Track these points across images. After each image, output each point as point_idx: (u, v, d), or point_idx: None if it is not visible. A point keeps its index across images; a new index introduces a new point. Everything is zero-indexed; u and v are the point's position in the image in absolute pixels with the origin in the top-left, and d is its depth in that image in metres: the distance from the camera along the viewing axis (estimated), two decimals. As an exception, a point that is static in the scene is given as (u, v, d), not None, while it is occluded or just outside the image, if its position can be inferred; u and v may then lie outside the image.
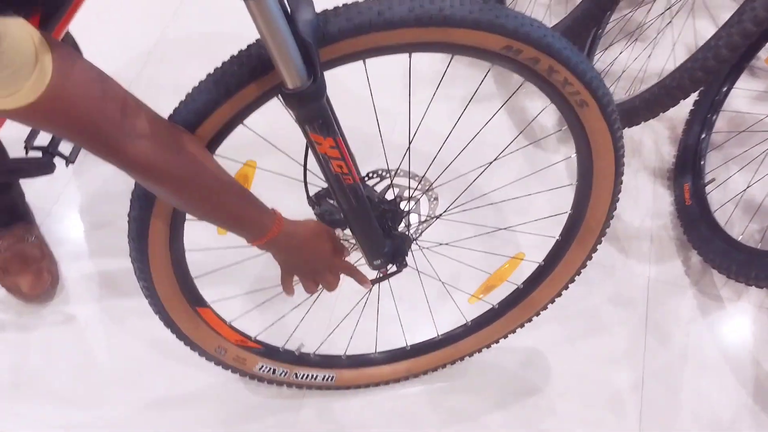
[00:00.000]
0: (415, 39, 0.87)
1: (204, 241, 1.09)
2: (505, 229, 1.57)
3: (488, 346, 1.41)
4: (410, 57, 0.92)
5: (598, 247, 1.22)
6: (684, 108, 1.72)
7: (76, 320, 1.46)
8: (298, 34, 0.78)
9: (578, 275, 1.27)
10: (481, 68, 1.81)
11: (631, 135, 1.84)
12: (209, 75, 0.88)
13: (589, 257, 1.24)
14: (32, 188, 1.56)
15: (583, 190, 1.15)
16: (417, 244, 1.20)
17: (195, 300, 1.14)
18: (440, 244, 1.29)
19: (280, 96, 0.84)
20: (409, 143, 1.09)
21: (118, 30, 1.98)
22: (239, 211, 0.91)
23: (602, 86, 1.00)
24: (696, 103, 1.80)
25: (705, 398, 1.46)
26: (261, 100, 0.90)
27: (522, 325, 1.36)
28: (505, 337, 1.39)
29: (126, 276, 1.15)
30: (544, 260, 1.28)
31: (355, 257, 1.12)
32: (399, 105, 1.23)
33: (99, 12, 1.86)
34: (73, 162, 1.13)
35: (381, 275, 1.16)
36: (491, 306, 1.35)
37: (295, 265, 1.05)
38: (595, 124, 1.03)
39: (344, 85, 1.14)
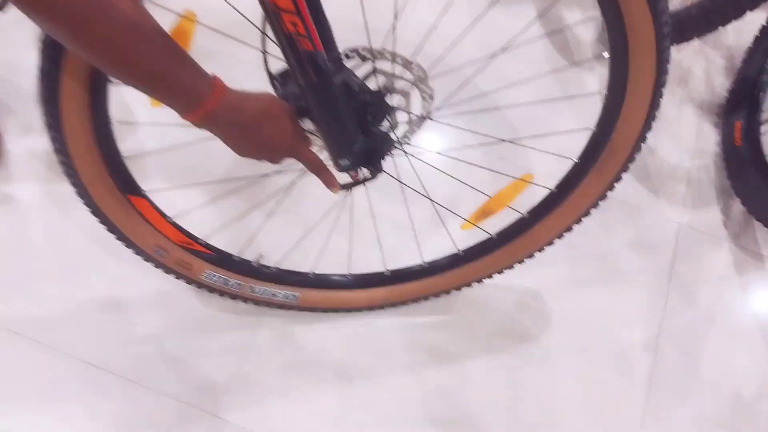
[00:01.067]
0: None
1: (143, 114, 0.89)
2: (511, 141, 1.32)
3: (480, 281, 1.21)
4: None
5: (623, 176, 1.00)
6: (747, 33, 1.45)
7: (14, 201, 1.28)
8: None
9: (595, 208, 1.05)
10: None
11: (678, 59, 1.58)
12: None
13: (611, 187, 1.02)
14: None
15: (613, 101, 0.93)
16: (401, 148, 0.99)
17: (127, 186, 0.95)
18: (430, 153, 1.07)
19: None
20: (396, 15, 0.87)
21: None
22: (163, 70, 0.70)
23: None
24: (763, 29, 1.52)
25: (728, 368, 1.26)
26: None
27: (522, 261, 1.16)
28: (501, 272, 1.18)
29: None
30: (556, 186, 1.06)
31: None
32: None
33: None
34: (2, 9, 0.92)
35: (351, 181, 0.96)
36: (488, 235, 1.14)
37: (244, 150, 0.83)
38: (636, 10, 0.80)
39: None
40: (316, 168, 0.88)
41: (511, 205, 1.08)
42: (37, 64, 0.79)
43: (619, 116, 0.94)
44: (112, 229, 0.98)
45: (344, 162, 0.89)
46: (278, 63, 0.83)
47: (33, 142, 1.34)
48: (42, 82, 0.80)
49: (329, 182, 0.90)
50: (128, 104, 1.27)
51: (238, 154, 0.84)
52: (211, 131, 0.79)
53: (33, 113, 1.36)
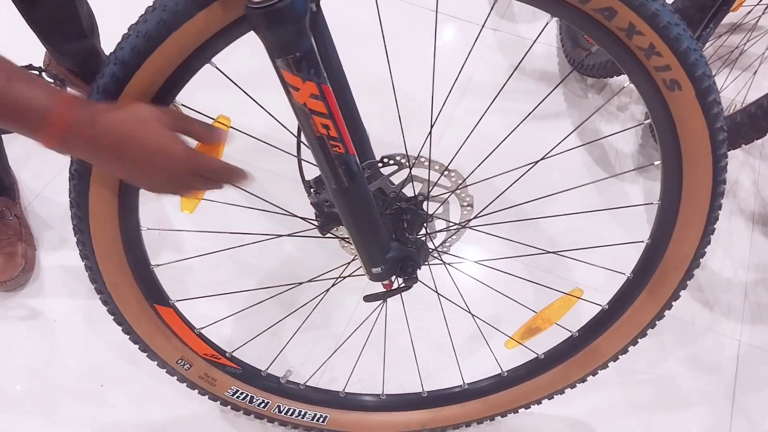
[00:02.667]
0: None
1: (175, 221, 0.87)
2: (558, 253, 1.25)
3: (527, 407, 1.11)
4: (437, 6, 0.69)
5: (681, 294, 0.92)
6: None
7: (43, 316, 1.26)
8: None
9: (651, 328, 0.97)
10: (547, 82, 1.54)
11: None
12: None
13: (668, 306, 0.94)
14: (25, 165, 1.42)
15: (667, 213, 0.87)
16: (439, 257, 0.94)
17: (153, 295, 0.91)
18: (470, 263, 1.01)
19: (246, 14, 0.62)
20: (432, 118, 0.84)
21: None
22: None
23: (702, 63, 0.73)
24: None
25: None
26: (232, 29, 0.68)
27: (573, 386, 1.06)
28: (550, 398, 1.09)
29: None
30: (608, 303, 0.98)
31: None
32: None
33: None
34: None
35: (385, 291, 0.90)
36: (535, 355, 1.05)
37: (130, 174, 0.70)
38: (688, 116, 0.76)
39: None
40: (219, 171, 0.72)
41: (559, 322, 1.00)
42: (69, 169, 0.78)
43: (674, 229, 0.87)
44: (135, 338, 0.94)
45: (377, 270, 0.84)
46: (313, 169, 0.81)
47: (65, 255, 1.34)
48: (72, 185, 0.79)
49: (239, 177, 0.73)
50: (160, 211, 1.29)
51: (130, 180, 0.73)
52: (81, 157, 0.70)
53: (66, 231, 1.38)
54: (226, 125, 0.78)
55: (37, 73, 0.90)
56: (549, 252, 1.12)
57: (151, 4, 0.67)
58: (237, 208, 0.95)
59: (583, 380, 1.05)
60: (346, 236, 0.86)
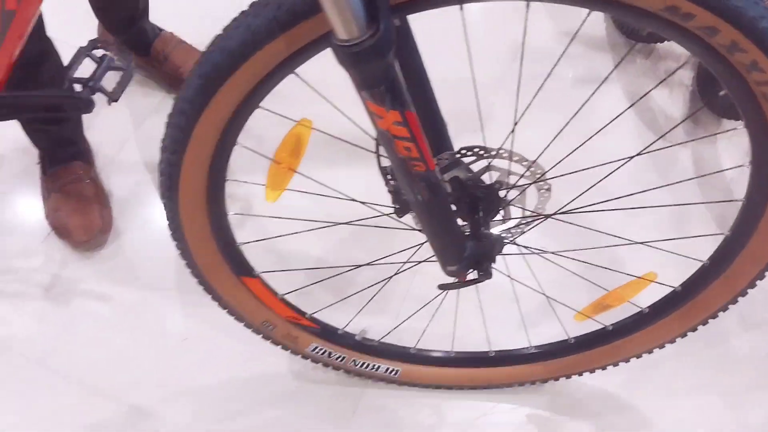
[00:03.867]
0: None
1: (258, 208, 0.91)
2: (637, 243, 1.24)
3: (591, 372, 1.15)
4: (528, 6, 0.67)
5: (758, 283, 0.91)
6: None
7: (122, 276, 1.34)
8: None
9: (723, 311, 0.97)
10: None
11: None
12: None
13: (743, 293, 0.94)
14: (98, 130, 1.47)
15: (751, 212, 0.85)
16: (514, 242, 0.95)
17: (240, 268, 0.97)
18: (547, 253, 1.02)
19: (331, 47, 0.62)
20: (516, 116, 0.83)
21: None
22: None
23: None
24: None
25: None
26: (314, 46, 0.68)
27: (639, 356, 1.09)
28: (616, 364, 1.12)
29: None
30: (681, 285, 0.99)
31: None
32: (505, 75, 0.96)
33: None
34: (116, 100, 0.95)
35: (458, 282, 0.93)
36: (602, 326, 1.08)
37: None
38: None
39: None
40: None
41: (631, 300, 1.01)
42: (159, 161, 0.82)
43: (757, 224, 0.86)
44: (224, 305, 1.01)
45: (452, 268, 0.86)
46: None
47: (141, 214, 1.43)
48: (163, 177, 0.83)
49: None
50: (245, 198, 1.35)
51: None
52: None
53: (140, 195, 1.45)
54: (308, 127, 0.80)
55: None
56: (630, 242, 1.11)
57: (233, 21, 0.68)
58: (316, 197, 0.98)
59: (649, 352, 1.08)
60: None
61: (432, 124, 0.82)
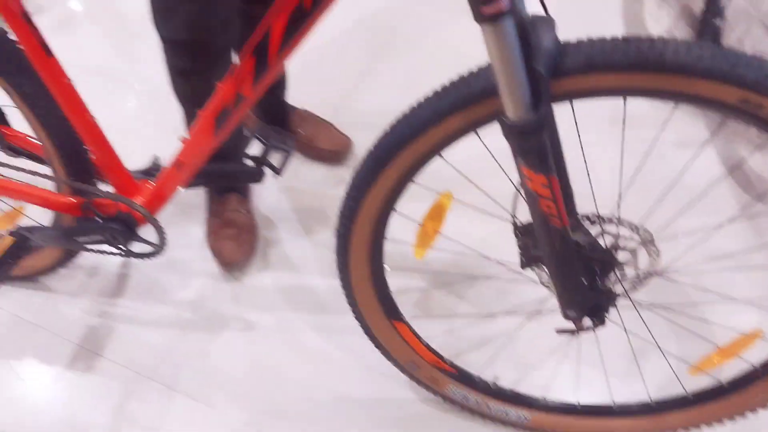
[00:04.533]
0: (641, 84, 0.80)
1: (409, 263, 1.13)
2: (735, 299, 1.34)
3: (709, 425, 1.23)
4: (625, 101, 0.85)
5: None
6: None
7: (256, 328, 1.56)
8: (531, 64, 0.77)
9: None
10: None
11: None
12: (435, 92, 0.90)
13: None
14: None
15: None
16: (630, 298, 1.10)
17: (392, 312, 1.19)
18: (658, 306, 1.16)
19: (499, 123, 0.83)
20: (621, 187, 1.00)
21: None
22: None
23: None
24: None
25: None
26: (486, 122, 0.89)
27: (754, 410, 1.17)
28: (732, 418, 1.20)
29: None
30: (790, 343, 1.08)
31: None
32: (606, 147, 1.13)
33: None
34: (280, 174, 1.24)
35: (575, 329, 1.08)
36: (717, 381, 1.17)
37: None
38: None
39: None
40: None
41: (740, 356, 1.11)
42: (335, 229, 1.07)
43: None
44: (377, 344, 1.23)
45: (571, 313, 1.03)
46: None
47: (287, 247, 1.67)
48: (338, 237, 1.07)
49: None
50: (399, 255, 1.56)
51: None
52: None
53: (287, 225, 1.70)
54: (449, 198, 1.02)
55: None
56: (736, 300, 1.21)
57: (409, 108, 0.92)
58: (455, 254, 1.19)
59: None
60: (545, 274, 1.06)
61: (564, 189, 1.02)
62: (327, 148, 1.80)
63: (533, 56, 0.77)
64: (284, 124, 1.82)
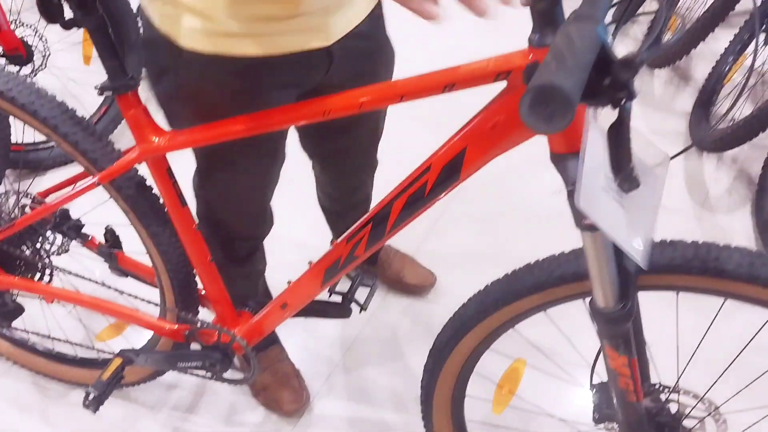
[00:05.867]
0: (708, 285, 0.92)
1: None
2: None
3: None
4: (677, 295, 0.97)
5: None
6: None
7: None
8: (621, 262, 0.89)
9: None
10: None
11: None
12: (530, 265, 1.02)
13: None
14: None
15: None
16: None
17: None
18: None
19: (588, 306, 0.95)
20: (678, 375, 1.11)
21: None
22: None
23: None
24: None
25: None
26: (567, 300, 1.02)
27: None
28: None
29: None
30: None
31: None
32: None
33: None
34: (365, 309, 1.36)
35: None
36: None
37: None
38: None
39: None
40: None
41: None
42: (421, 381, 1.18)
43: None
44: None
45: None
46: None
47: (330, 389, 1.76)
48: (423, 391, 1.19)
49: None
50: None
51: None
52: None
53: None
54: (524, 363, 1.14)
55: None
56: None
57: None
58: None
59: None
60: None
61: (642, 368, 1.12)
62: (413, 282, 1.93)
63: (623, 255, 0.90)
64: (373, 260, 1.95)
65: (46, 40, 2.30)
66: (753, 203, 2.13)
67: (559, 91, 0.56)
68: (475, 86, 0.88)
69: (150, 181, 1.24)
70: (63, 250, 1.55)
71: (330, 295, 1.34)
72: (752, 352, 1.14)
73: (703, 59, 2.78)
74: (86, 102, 2.22)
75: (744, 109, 2.23)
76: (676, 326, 1.14)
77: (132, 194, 1.25)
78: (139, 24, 1.12)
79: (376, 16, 1.20)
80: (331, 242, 1.92)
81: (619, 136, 0.75)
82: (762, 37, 2.14)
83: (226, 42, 1.01)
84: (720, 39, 2.64)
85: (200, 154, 1.24)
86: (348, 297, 1.38)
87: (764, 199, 2.06)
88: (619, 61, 0.65)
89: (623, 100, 0.70)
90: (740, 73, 2.39)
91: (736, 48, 2.37)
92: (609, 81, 0.68)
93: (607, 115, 0.75)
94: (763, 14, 2.14)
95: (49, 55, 2.29)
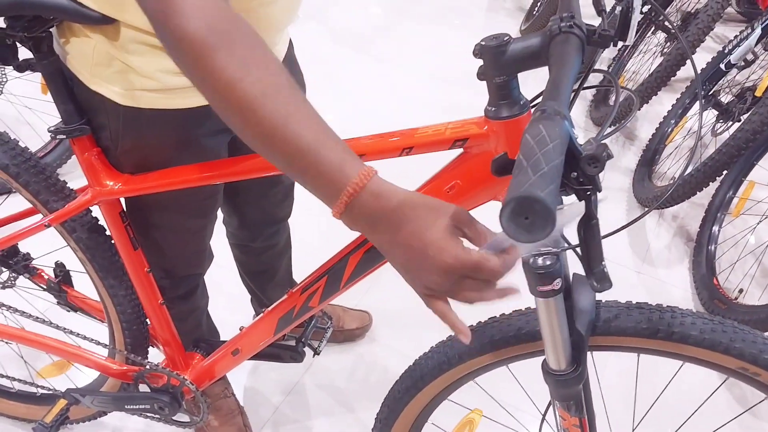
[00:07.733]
0: (655, 347, 0.94)
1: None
2: None
3: None
4: (638, 357, 0.99)
5: None
6: None
7: None
8: (574, 326, 0.90)
9: None
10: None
11: None
12: (482, 324, 1.03)
13: None
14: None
15: None
16: None
17: None
18: None
19: (542, 369, 0.96)
20: None
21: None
22: (308, 141, 0.66)
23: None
24: None
25: None
26: (520, 358, 1.03)
27: None
28: None
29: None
30: None
31: None
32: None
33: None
34: (319, 353, 1.35)
35: None
36: None
37: (401, 261, 0.71)
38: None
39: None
40: (493, 271, 0.69)
41: None
42: (372, 429, 1.18)
43: None
44: None
45: None
46: None
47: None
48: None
49: (459, 330, 0.75)
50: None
51: (400, 270, 0.73)
52: (359, 228, 0.72)
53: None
54: (480, 415, 1.15)
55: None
56: None
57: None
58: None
59: None
60: None
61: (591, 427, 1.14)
62: (353, 327, 1.93)
63: (575, 317, 0.92)
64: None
65: (3, 67, 2.24)
66: (690, 259, 2.21)
67: (541, 203, 0.54)
68: (432, 152, 0.89)
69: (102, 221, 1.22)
70: (9, 285, 1.50)
71: (284, 338, 1.33)
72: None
73: (647, 120, 2.93)
74: (41, 131, 2.16)
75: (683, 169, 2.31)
76: (635, 385, 1.16)
77: (84, 237, 1.22)
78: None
79: (290, 58, 1.25)
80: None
81: (588, 230, 0.74)
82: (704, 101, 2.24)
83: (161, 97, 1.01)
84: (663, 102, 2.86)
85: (143, 200, 1.21)
86: (302, 341, 1.37)
87: (701, 255, 2.14)
88: (586, 156, 0.64)
89: (589, 193, 0.69)
90: (681, 134, 2.50)
91: (678, 111, 2.48)
92: (576, 175, 0.67)
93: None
94: (703, 80, 2.26)
95: (6, 81, 2.23)
